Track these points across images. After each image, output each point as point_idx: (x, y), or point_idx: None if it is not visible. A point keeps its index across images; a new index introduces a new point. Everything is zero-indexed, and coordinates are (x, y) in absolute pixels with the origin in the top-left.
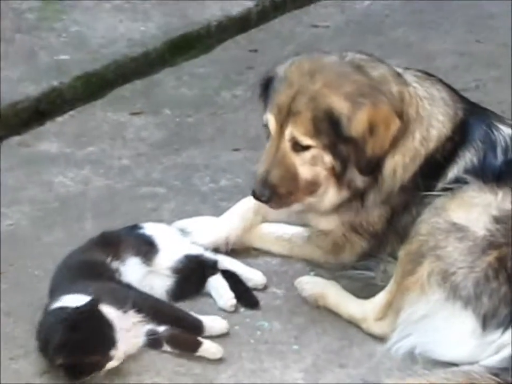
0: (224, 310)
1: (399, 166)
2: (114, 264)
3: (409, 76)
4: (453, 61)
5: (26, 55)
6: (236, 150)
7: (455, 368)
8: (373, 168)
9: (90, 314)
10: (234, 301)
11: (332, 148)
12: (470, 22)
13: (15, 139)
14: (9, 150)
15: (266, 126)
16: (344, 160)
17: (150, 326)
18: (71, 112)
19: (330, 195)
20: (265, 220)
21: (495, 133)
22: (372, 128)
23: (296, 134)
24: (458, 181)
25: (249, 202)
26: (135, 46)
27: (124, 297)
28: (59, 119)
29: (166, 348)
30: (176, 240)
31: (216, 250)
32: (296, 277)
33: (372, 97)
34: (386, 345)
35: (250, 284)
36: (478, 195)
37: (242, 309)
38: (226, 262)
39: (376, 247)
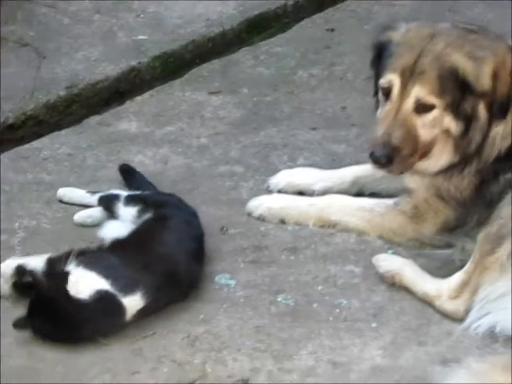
0: None
1: (499, 135)
2: None
3: None
4: None
5: (105, 35)
6: (314, 129)
7: None
8: (506, 109)
9: None
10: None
11: (454, 107)
12: None
13: (95, 118)
14: (89, 129)
15: (384, 88)
16: (468, 119)
17: None
18: (149, 92)
19: (443, 158)
20: (359, 191)
21: None
22: (496, 75)
23: (423, 93)
24: None
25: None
26: (213, 26)
27: None
28: (138, 98)
29: None
30: None
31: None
32: (374, 255)
33: (490, 47)
34: (465, 324)
35: None
36: None
37: (320, 287)
38: None
39: (463, 217)
